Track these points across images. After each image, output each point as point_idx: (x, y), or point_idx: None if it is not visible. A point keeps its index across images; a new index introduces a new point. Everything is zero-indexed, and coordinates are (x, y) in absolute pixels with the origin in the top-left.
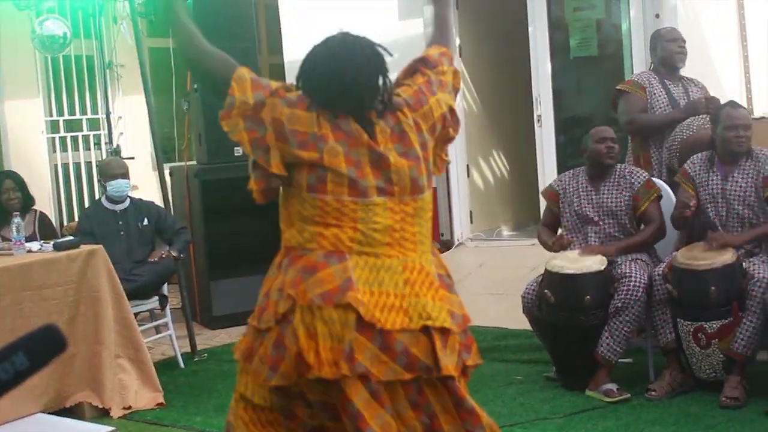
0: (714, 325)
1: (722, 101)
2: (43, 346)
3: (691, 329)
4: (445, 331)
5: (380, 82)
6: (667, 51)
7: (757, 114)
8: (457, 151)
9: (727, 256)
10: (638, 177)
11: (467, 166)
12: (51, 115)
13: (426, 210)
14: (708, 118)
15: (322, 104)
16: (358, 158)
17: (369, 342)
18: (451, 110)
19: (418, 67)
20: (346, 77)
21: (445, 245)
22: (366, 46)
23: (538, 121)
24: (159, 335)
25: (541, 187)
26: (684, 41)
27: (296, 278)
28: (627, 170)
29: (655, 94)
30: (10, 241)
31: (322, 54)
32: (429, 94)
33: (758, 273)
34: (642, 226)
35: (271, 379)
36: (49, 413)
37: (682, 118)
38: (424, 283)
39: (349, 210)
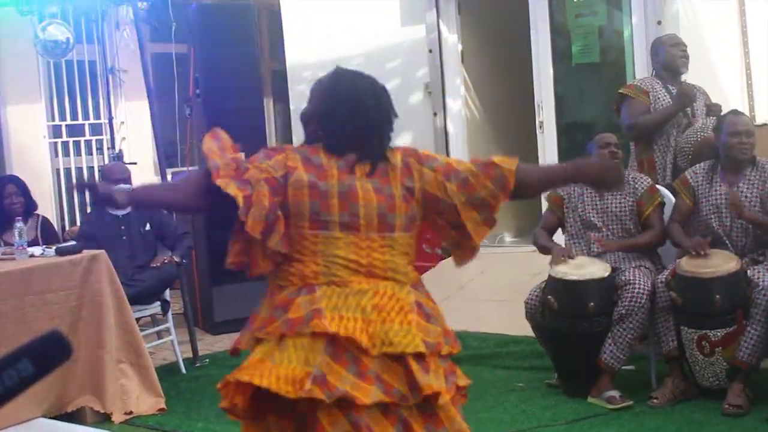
0: (718, 333)
1: (724, 108)
2: (48, 353)
3: (695, 337)
4: (420, 355)
5: (383, 129)
6: (671, 56)
7: (759, 121)
8: (458, 157)
9: (732, 264)
10: (642, 182)
11: None
12: (53, 120)
13: (397, 248)
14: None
15: (328, 146)
16: (327, 190)
17: (344, 370)
18: (451, 206)
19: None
20: (359, 121)
21: (447, 252)
22: (374, 88)
23: (540, 126)
24: (161, 340)
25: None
26: (686, 46)
27: (269, 317)
28: (631, 176)
29: (658, 98)
30: (12, 245)
31: (335, 94)
32: (439, 172)
33: (762, 281)
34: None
35: None
36: (49, 418)
37: (676, 109)
38: (393, 308)
39: (309, 243)
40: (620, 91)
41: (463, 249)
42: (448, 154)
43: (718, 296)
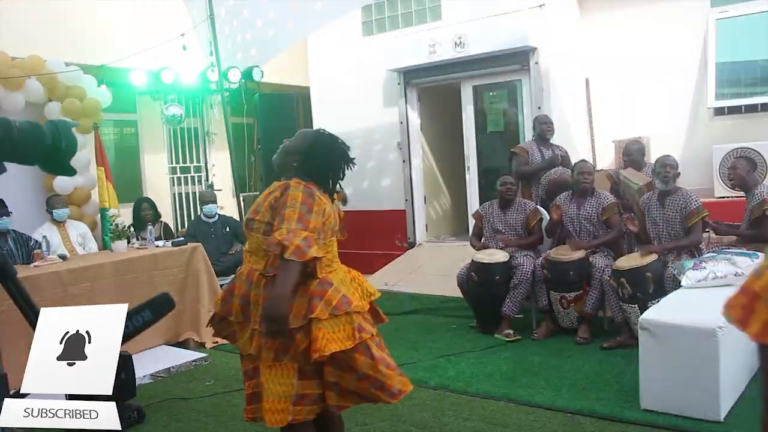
0: (571, 295)
1: (575, 158)
2: (161, 306)
3: (558, 297)
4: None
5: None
6: (541, 129)
7: (599, 167)
8: (418, 188)
9: (580, 254)
10: (529, 206)
11: (424, 197)
12: (172, 163)
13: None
14: (563, 169)
15: (308, 177)
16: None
17: (365, 321)
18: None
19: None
20: (339, 165)
21: (410, 245)
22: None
23: (468, 170)
24: None
25: (470, 211)
26: (552, 123)
27: (313, 305)
28: (523, 202)
29: (534, 155)
30: (146, 240)
31: (323, 146)
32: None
33: (597, 263)
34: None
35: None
36: (168, 345)
37: (546, 168)
38: (357, 277)
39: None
40: (511, 149)
41: None
42: (412, 192)
43: (571, 272)
